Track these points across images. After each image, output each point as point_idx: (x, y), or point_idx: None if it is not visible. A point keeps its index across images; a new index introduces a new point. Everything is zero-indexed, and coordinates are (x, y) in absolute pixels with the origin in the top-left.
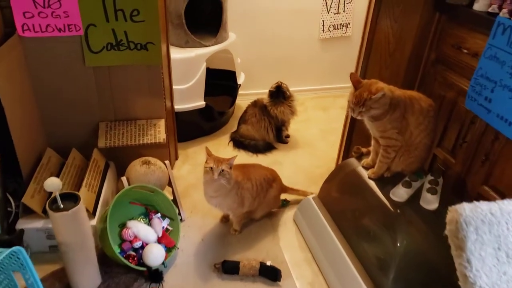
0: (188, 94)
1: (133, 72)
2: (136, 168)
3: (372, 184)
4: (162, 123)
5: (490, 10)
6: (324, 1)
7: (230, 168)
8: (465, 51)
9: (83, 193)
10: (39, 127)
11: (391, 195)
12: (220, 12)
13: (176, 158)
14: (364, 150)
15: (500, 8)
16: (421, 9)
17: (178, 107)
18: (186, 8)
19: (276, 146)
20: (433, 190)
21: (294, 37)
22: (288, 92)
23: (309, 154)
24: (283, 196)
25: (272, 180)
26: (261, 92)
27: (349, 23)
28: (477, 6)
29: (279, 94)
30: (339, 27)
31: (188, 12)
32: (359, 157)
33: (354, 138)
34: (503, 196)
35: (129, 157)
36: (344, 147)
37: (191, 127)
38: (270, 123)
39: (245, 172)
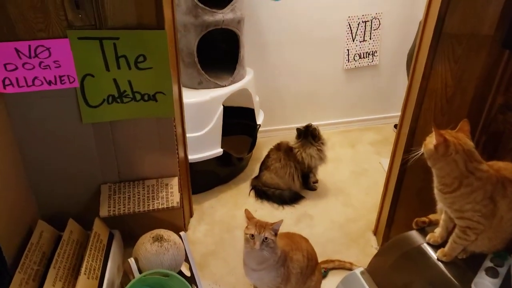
0: (203, 142)
1: (140, 125)
2: (146, 246)
3: (443, 267)
4: (175, 182)
5: None
6: (349, 29)
7: (275, 235)
8: None
9: (82, 282)
10: (28, 197)
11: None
12: (236, 47)
13: (191, 216)
14: (425, 220)
15: None
16: (489, 46)
17: (192, 157)
18: (198, 45)
19: (304, 194)
20: None
21: (316, 68)
22: (318, 134)
23: (342, 204)
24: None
25: (316, 263)
26: (282, 128)
27: (375, 51)
28: None
29: (308, 134)
30: (365, 55)
31: (201, 49)
32: (422, 229)
33: (402, 191)
34: None
35: (137, 223)
36: (391, 204)
37: (205, 177)
38: (296, 169)
39: (294, 242)
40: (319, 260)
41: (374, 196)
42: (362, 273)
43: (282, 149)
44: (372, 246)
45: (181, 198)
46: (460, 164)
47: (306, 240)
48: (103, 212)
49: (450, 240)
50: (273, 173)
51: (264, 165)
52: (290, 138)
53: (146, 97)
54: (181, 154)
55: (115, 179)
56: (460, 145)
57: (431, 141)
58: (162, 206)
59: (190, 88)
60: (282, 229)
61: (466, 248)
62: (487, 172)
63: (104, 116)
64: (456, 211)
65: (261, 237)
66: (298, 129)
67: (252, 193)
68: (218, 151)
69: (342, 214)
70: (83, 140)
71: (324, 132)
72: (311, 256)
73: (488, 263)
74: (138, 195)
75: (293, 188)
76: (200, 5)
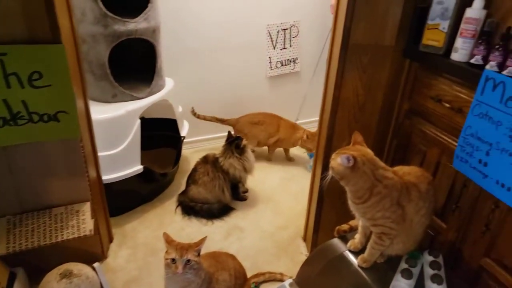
0: (120, 160)
1: (41, 148)
2: (53, 285)
3: (364, 273)
4: (87, 207)
5: (473, 61)
6: (269, 37)
7: (198, 255)
8: (447, 105)
9: None
10: None
11: None
12: (153, 56)
13: (111, 241)
14: (346, 227)
15: (485, 59)
16: (391, 56)
17: (108, 177)
18: (110, 55)
19: (234, 205)
20: (438, 279)
21: (240, 76)
22: (243, 146)
23: (272, 212)
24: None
25: (245, 280)
26: (209, 137)
27: (296, 58)
28: (456, 56)
29: (232, 143)
30: (286, 63)
31: (114, 60)
32: (343, 236)
33: (326, 195)
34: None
35: (46, 257)
36: (317, 209)
37: (126, 197)
38: (225, 180)
39: (219, 261)
40: (250, 274)
41: (303, 201)
42: (290, 285)
43: (209, 161)
44: (302, 253)
45: (96, 224)
46: (369, 174)
47: (233, 258)
48: (1, 249)
49: (368, 247)
50: (202, 187)
51: (191, 179)
52: (218, 148)
53: (45, 118)
54: (93, 175)
55: (15, 210)
56: (363, 155)
57: (337, 162)
58: (73, 235)
59: (103, 102)
60: (211, 246)
61: (384, 253)
62: (392, 179)
63: None
64: (369, 220)
65: (183, 260)
66: (228, 132)
67: (179, 209)
68: (137, 168)
69: (273, 222)
70: None
71: None
72: (239, 273)
73: (403, 265)
74: (44, 226)
75: (223, 201)
76: (110, 14)
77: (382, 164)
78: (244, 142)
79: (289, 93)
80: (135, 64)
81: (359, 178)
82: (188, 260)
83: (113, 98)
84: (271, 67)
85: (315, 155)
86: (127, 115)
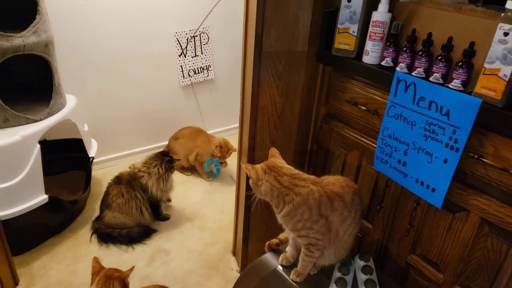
0: (19, 192)
1: None
2: None
3: (300, 287)
4: None
5: (383, 63)
6: (179, 45)
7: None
8: (363, 107)
9: None
10: None
11: None
12: (49, 73)
13: (16, 284)
14: (276, 241)
15: (395, 61)
16: (305, 61)
17: (6, 213)
18: None
19: (156, 226)
20: (371, 284)
21: (152, 88)
22: (173, 163)
23: (198, 229)
24: None
25: None
26: (122, 155)
27: (210, 66)
28: (367, 59)
29: (162, 161)
30: (200, 70)
31: (2, 80)
32: (276, 249)
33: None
34: (436, 266)
35: None
36: (244, 219)
37: (30, 232)
38: (143, 200)
39: None
40: None
41: (230, 212)
42: None
43: (123, 181)
44: (232, 269)
45: None
46: (273, 182)
47: None
48: None
49: (299, 259)
50: (116, 211)
51: (104, 204)
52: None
53: None
54: None
55: None
56: (265, 165)
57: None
58: None
59: None
60: (135, 274)
61: (316, 264)
62: (307, 187)
63: None
64: (293, 231)
65: None
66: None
67: (95, 238)
68: (41, 198)
69: (200, 240)
70: None
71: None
72: None
73: (337, 274)
74: None
75: (142, 222)
76: None
77: (294, 172)
78: (177, 162)
79: (206, 101)
80: (29, 83)
81: (268, 188)
82: None
83: (5, 123)
84: (183, 76)
85: (238, 164)
86: (23, 141)
